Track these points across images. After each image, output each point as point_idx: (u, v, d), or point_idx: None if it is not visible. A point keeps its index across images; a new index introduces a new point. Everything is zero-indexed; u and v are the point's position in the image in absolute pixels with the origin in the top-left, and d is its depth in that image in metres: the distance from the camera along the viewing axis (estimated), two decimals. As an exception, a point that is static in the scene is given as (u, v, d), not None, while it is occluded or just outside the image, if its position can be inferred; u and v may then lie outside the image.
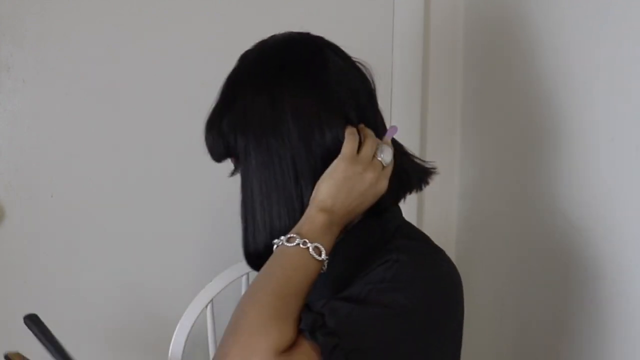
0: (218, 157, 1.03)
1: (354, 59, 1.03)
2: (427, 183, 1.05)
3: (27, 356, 1.10)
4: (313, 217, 0.92)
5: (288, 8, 1.63)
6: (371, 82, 1.04)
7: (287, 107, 0.96)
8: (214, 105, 1.02)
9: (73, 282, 1.63)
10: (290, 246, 0.90)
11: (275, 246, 0.92)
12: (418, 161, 1.05)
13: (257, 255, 1.00)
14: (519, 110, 1.40)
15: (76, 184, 1.61)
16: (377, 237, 0.98)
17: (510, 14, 1.44)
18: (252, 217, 0.99)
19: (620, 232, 1.07)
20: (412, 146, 1.69)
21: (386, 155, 0.96)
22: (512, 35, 1.43)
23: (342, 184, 0.93)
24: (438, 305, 0.92)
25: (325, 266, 0.91)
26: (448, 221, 1.74)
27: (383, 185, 0.96)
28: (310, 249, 0.89)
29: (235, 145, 0.99)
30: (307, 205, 0.95)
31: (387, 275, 0.89)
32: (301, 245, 0.89)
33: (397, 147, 1.02)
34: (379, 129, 1.01)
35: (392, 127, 1.01)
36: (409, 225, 1.04)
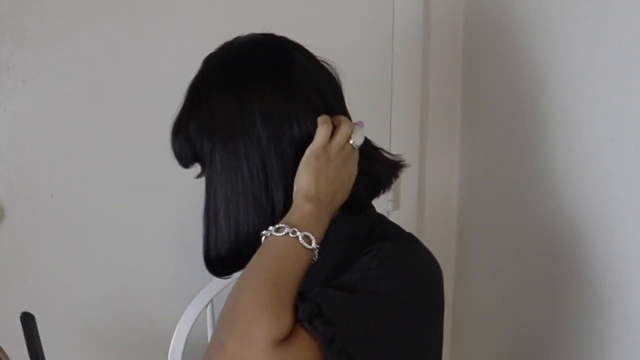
0: (185, 162, 1.02)
1: (318, 58, 1.03)
2: (396, 177, 1.05)
3: (9, 354, 1.11)
4: (300, 206, 0.91)
5: (288, 8, 1.63)
6: (337, 79, 1.04)
7: (254, 107, 0.95)
8: (179, 109, 1.02)
9: (73, 282, 1.63)
10: (280, 236, 0.89)
11: (263, 237, 0.91)
12: (387, 155, 1.05)
13: (218, 260, 0.99)
14: (518, 110, 1.40)
15: (76, 184, 1.61)
16: (360, 230, 0.99)
17: (510, 13, 1.44)
18: (214, 223, 0.97)
19: (620, 232, 1.07)
20: (412, 146, 1.72)
21: (358, 139, 0.97)
22: (512, 35, 1.43)
23: (320, 171, 0.93)
24: (423, 289, 0.93)
25: (316, 255, 0.90)
26: (448, 221, 1.74)
27: (353, 167, 0.96)
28: (300, 238, 0.88)
29: (201, 149, 0.98)
30: (277, 207, 0.95)
31: (373, 264, 0.90)
32: (290, 235, 0.88)
33: (367, 142, 1.01)
34: None
35: (358, 122, 1.00)
36: (384, 218, 1.05)
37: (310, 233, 0.89)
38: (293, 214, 0.91)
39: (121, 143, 1.62)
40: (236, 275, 0.98)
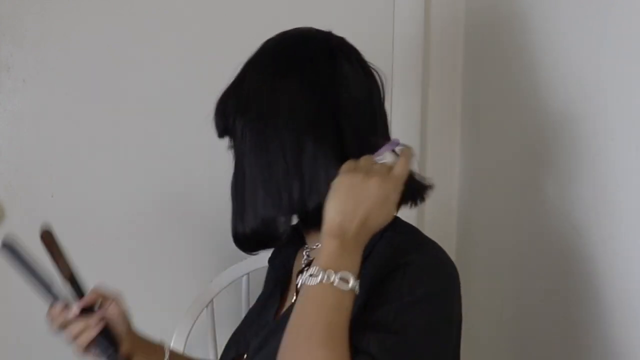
0: (219, 133, 1.04)
1: (369, 65, 1.04)
2: (423, 199, 1.05)
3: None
4: (325, 245, 0.86)
5: (288, 8, 1.63)
6: (381, 90, 1.04)
7: (284, 100, 0.97)
8: (228, 84, 1.04)
9: (73, 282, 1.63)
10: (315, 285, 0.84)
11: (299, 283, 0.89)
12: (417, 177, 1.04)
13: (245, 237, 1.00)
14: (518, 111, 1.40)
15: (76, 184, 1.61)
16: (386, 243, 0.97)
17: (511, 13, 1.44)
18: (241, 199, 0.99)
19: (620, 232, 1.07)
20: (412, 146, 1.71)
21: (386, 158, 0.92)
22: (512, 35, 1.43)
23: (346, 197, 0.86)
24: (454, 298, 0.96)
25: (357, 290, 0.86)
26: (448, 221, 1.74)
27: (388, 187, 0.88)
28: (336, 282, 0.83)
29: (233, 127, 1.00)
30: (297, 201, 0.95)
31: (405, 288, 0.89)
32: (324, 282, 0.84)
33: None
34: (377, 140, 0.99)
35: (393, 140, 0.97)
36: (398, 220, 1.03)
37: (345, 272, 0.84)
38: (322, 254, 0.86)
39: (121, 143, 1.62)
40: (264, 254, 1.03)
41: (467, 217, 1.70)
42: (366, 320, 0.87)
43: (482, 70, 1.62)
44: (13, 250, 1.12)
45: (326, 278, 0.83)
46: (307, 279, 0.85)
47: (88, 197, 1.62)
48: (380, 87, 1.05)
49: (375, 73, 1.04)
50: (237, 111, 1.00)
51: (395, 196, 0.89)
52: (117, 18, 1.59)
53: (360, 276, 0.87)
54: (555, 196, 1.26)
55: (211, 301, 1.48)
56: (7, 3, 1.55)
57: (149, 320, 1.67)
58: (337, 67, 1.00)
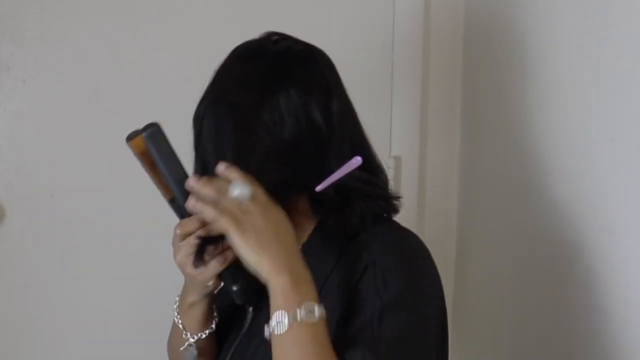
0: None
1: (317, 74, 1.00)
2: (396, 211, 1.03)
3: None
4: (275, 288, 0.83)
5: (288, 8, 1.63)
6: (332, 98, 1.00)
7: (225, 123, 0.98)
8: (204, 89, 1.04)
9: (73, 282, 1.63)
10: (284, 333, 0.82)
11: (266, 335, 0.85)
12: (381, 191, 1.02)
13: None
14: (518, 110, 1.40)
15: (76, 184, 1.61)
16: (346, 229, 0.97)
17: (510, 13, 1.44)
18: None
19: (620, 232, 1.07)
20: (412, 146, 1.72)
21: (241, 191, 0.86)
22: (512, 35, 1.43)
23: (255, 242, 0.84)
24: (430, 291, 0.95)
25: (325, 314, 0.84)
26: (448, 221, 1.74)
27: (274, 213, 0.86)
28: (304, 318, 0.82)
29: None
30: None
31: (381, 289, 0.89)
32: (292, 323, 0.82)
33: (358, 178, 0.98)
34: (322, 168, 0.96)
35: (351, 160, 0.95)
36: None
37: (307, 302, 0.83)
38: (275, 296, 0.83)
39: (121, 143, 1.60)
40: None
41: (467, 218, 1.70)
42: (353, 333, 0.87)
43: (482, 70, 1.62)
44: (157, 135, 1.00)
45: (292, 319, 0.82)
46: (276, 328, 0.82)
47: (88, 197, 1.62)
48: (332, 95, 0.99)
49: (322, 82, 0.99)
50: (199, 119, 1.01)
51: (273, 210, 0.87)
52: (117, 18, 1.59)
53: (330, 285, 0.87)
54: (555, 196, 1.26)
55: (211, 301, 1.47)
56: (7, 3, 1.55)
57: (149, 320, 1.68)
58: (267, 102, 0.95)
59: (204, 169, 0.97)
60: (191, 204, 0.88)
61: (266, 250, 0.83)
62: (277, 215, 0.87)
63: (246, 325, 1.04)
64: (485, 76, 1.61)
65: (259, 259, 0.83)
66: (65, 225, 1.62)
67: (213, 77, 1.02)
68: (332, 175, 0.95)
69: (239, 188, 0.86)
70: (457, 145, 1.72)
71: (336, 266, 0.94)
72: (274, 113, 0.95)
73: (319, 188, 0.95)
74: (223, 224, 0.84)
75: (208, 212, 0.85)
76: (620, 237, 1.07)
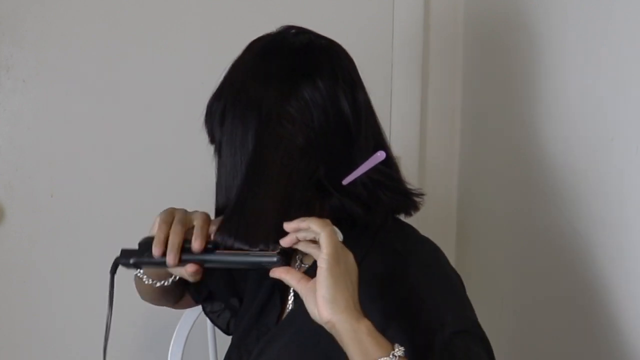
0: (210, 139, 1.05)
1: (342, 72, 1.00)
2: (417, 209, 1.03)
3: None
4: (355, 329, 0.81)
5: (288, 7, 1.63)
6: (357, 95, 1.01)
7: (259, 108, 0.95)
8: (216, 86, 1.02)
9: (73, 282, 1.63)
10: None
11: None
12: (403, 187, 1.03)
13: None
14: (518, 110, 1.40)
15: (76, 184, 1.61)
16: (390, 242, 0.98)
17: (510, 13, 1.44)
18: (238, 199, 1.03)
19: (620, 232, 1.07)
20: (412, 146, 1.72)
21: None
22: (512, 34, 1.43)
23: (339, 279, 0.83)
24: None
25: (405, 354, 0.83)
26: (448, 221, 1.74)
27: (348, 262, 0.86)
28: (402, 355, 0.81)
29: (214, 132, 1.01)
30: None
31: (433, 282, 0.93)
32: None
33: (382, 172, 0.98)
34: (358, 155, 0.97)
35: (376, 155, 0.95)
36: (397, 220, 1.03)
37: (395, 349, 0.82)
38: (367, 348, 0.81)
39: (121, 143, 1.62)
40: None
41: (466, 217, 1.70)
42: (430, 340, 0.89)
43: (482, 70, 1.62)
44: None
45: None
46: None
47: (88, 197, 1.61)
48: (355, 93, 1.00)
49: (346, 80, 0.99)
50: (218, 116, 0.98)
51: (347, 251, 0.86)
52: (117, 18, 1.59)
53: (360, 292, 0.86)
54: (555, 196, 1.26)
55: (211, 301, 1.47)
56: (7, 3, 1.55)
57: (148, 321, 1.68)
58: (293, 95, 0.95)
59: (232, 168, 0.98)
60: (294, 223, 0.87)
61: (342, 292, 0.82)
62: (350, 257, 0.86)
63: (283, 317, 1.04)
64: (485, 76, 1.61)
65: (334, 295, 0.82)
66: (65, 225, 1.62)
67: (229, 72, 1.00)
68: (358, 169, 0.94)
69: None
70: (456, 145, 1.72)
71: (361, 264, 0.90)
72: (301, 105, 0.94)
73: (345, 181, 0.94)
74: (328, 241, 0.83)
75: (318, 222, 0.85)
76: (621, 237, 1.07)
